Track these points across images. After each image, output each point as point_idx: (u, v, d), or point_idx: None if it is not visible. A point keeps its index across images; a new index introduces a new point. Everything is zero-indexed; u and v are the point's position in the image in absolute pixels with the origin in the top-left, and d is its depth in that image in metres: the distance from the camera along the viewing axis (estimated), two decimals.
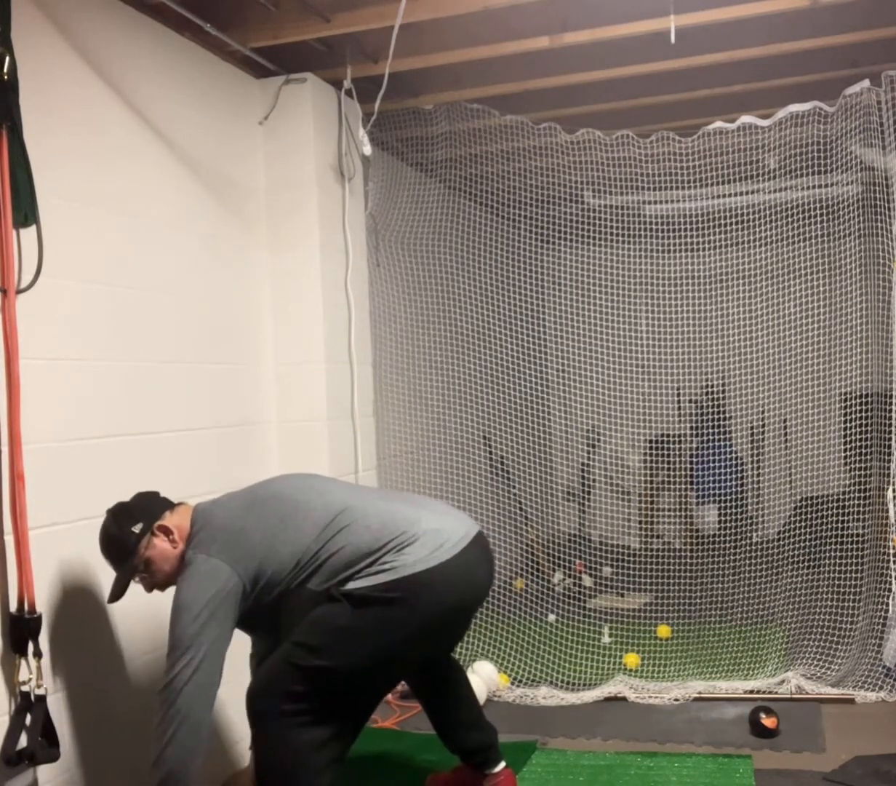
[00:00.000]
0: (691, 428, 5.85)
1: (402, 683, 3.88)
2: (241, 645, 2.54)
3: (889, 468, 3.65)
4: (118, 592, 2.41)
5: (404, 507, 2.48)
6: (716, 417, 5.60)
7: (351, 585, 2.29)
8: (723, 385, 5.31)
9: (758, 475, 5.69)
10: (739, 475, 5.66)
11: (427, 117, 4.06)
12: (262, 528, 2.37)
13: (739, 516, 5.05)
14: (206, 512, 2.45)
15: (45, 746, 2.25)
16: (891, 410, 3.71)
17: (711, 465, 5.51)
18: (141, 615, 2.72)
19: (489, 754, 2.78)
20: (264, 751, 2.35)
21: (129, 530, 2.38)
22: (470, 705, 2.84)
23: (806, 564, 4.31)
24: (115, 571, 2.41)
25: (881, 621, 3.68)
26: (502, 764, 2.79)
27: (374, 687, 2.42)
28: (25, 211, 2.32)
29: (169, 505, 2.47)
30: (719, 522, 5.26)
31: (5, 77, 2.26)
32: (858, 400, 4.22)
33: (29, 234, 2.35)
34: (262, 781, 2.40)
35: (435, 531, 2.38)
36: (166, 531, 2.40)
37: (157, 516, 2.41)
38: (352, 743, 2.39)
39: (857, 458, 4.11)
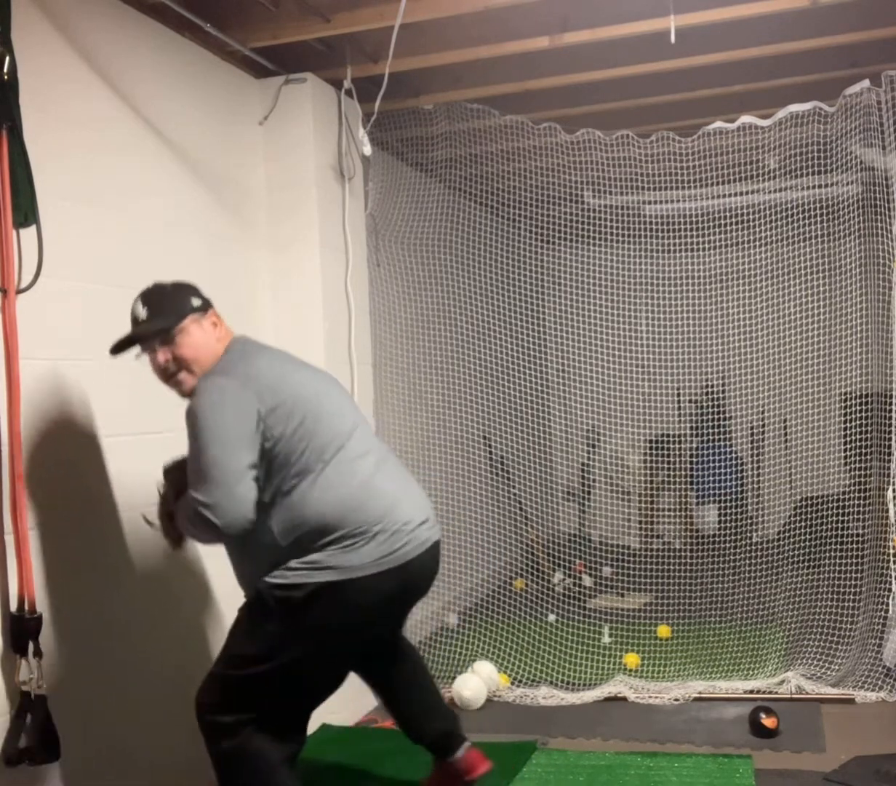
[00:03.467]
0: (691, 428, 5.85)
1: None
2: None
3: (889, 468, 3.65)
4: (122, 346, 2.29)
5: (390, 486, 2.35)
6: (716, 417, 5.60)
7: (289, 577, 2.21)
8: (723, 385, 5.31)
9: (758, 475, 5.69)
10: (739, 475, 5.66)
11: (427, 117, 4.06)
12: (299, 400, 2.25)
13: (739, 516, 5.05)
14: (249, 348, 2.36)
15: (46, 746, 2.25)
16: (891, 410, 3.70)
17: (711, 465, 5.51)
18: (141, 615, 2.72)
19: (450, 741, 2.65)
20: (220, 761, 2.32)
21: (187, 297, 2.31)
22: (425, 691, 2.72)
23: (806, 564, 4.31)
24: (141, 321, 2.28)
25: (881, 621, 3.68)
26: (465, 744, 2.66)
27: (320, 683, 2.38)
28: (25, 211, 2.32)
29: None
30: (719, 522, 5.26)
31: (5, 77, 2.26)
32: (858, 400, 4.22)
33: (29, 234, 2.35)
34: None
35: (396, 532, 2.26)
36: (216, 323, 2.32)
37: (212, 308, 2.35)
38: (303, 741, 2.37)
39: (857, 458, 4.11)
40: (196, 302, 2.33)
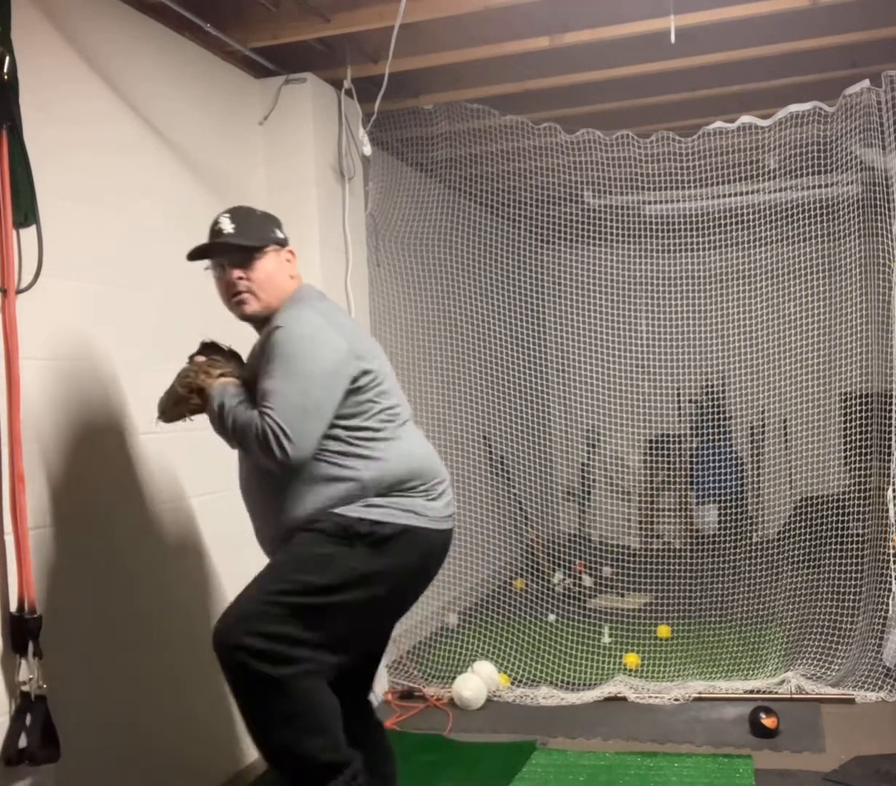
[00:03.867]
0: (691, 428, 5.85)
1: (404, 682, 3.89)
2: None
3: (889, 468, 3.64)
4: (199, 254, 2.28)
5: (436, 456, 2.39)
6: (716, 417, 5.60)
7: (373, 514, 2.15)
8: (723, 385, 5.31)
9: (758, 475, 5.69)
10: (739, 475, 5.66)
11: (427, 117, 4.06)
12: (379, 360, 2.27)
13: (739, 516, 5.05)
14: (327, 301, 2.35)
15: (45, 746, 2.25)
16: (891, 410, 3.70)
17: (711, 465, 5.52)
18: (142, 614, 2.72)
19: None
20: (246, 695, 2.10)
21: (273, 227, 2.31)
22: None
23: (806, 564, 4.31)
24: (225, 234, 2.26)
25: (881, 621, 3.68)
26: None
27: (364, 637, 2.28)
28: (25, 211, 2.32)
29: None
30: (719, 522, 5.26)
31: (5, 77, 2.26)
32: (858, 400, 4.22)
33: (29, 234, 2.35)
34: (256, 722, 2.12)
35: (449, 502, 2.32)
36: (290, 260, 2.32)
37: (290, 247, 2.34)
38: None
39: (857, 458, 4.11)
40: (280, 234, 2.33)
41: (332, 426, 2.16)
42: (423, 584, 2.36)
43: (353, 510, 2.16)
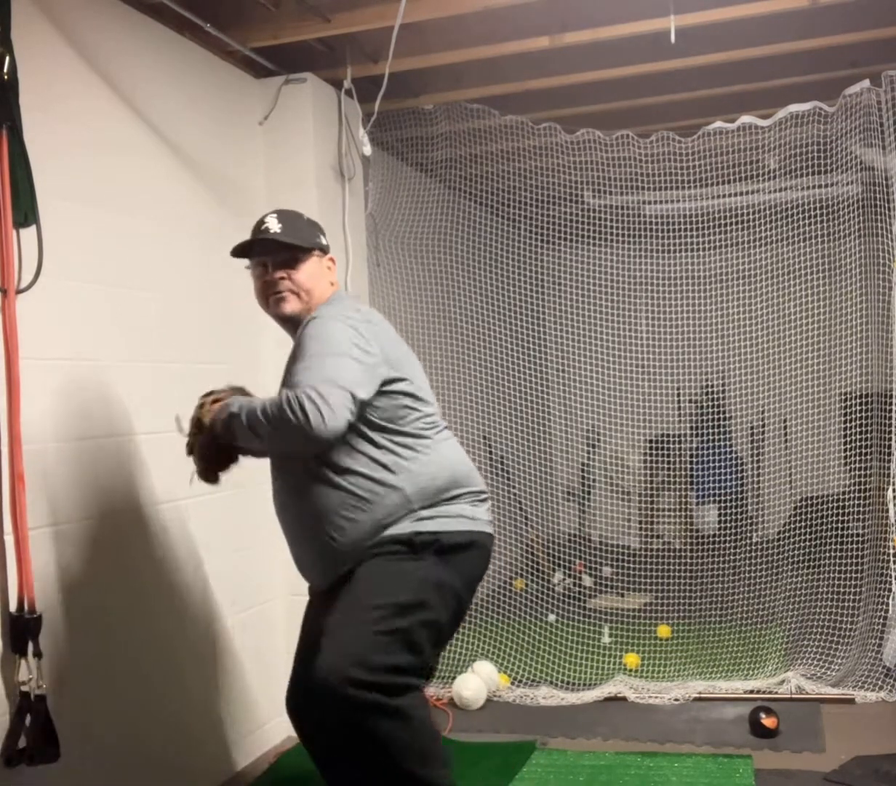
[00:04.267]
0: (691, 428, 5.85)
1: None
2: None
3: (889, 468, 3.64)
4: (244, 250, 2.26)
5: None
6: (716, 417, 5.60)
7: (429, 526, 2.13)
8: (723, 385, 5.31)
9: (758, 475, 5.68)
10: (739, 475, 5.66)
11: (427, 117, 4.06)
12: (415, 368, 2.27)
13: (739, 516, 5.05)
14: (363, 307, 2.32)
15: (45, 746, 2.25)
16: (891, 410, 3.70)
17: (711, 465, 5.51)
18: (141, 615, 2.72)
19: None
20: (363, 734, 1.96)
21: (319, 233, 2.33)
22: None
23: (806, 564, 4.31)
24: (272, 233, 2.24)
25: (881, 621, 3.68)
26: None
27: (444, 645, 2.30)
28: (25, 211, 2.32)
29: None
30: (719, 522, 5.26)
31: (5, 77, 2.26)
32: (858, 400, 4.22)
33: (29, 234, 2.35)
34: (375, 761, 2.00)
35: (488, 504, 2.30)
36: (330, 268, 2.32)
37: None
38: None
39: (857, 458, 4.11)
40: (323, 240, 2.33)
41: (372, 429, 2.11)
42: (476, 588, 2.31)
43: (406, 528, 2.12)
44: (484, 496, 2.29)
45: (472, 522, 2.20)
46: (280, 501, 2.27)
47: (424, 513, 2.14)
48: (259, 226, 2.29)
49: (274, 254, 2.25)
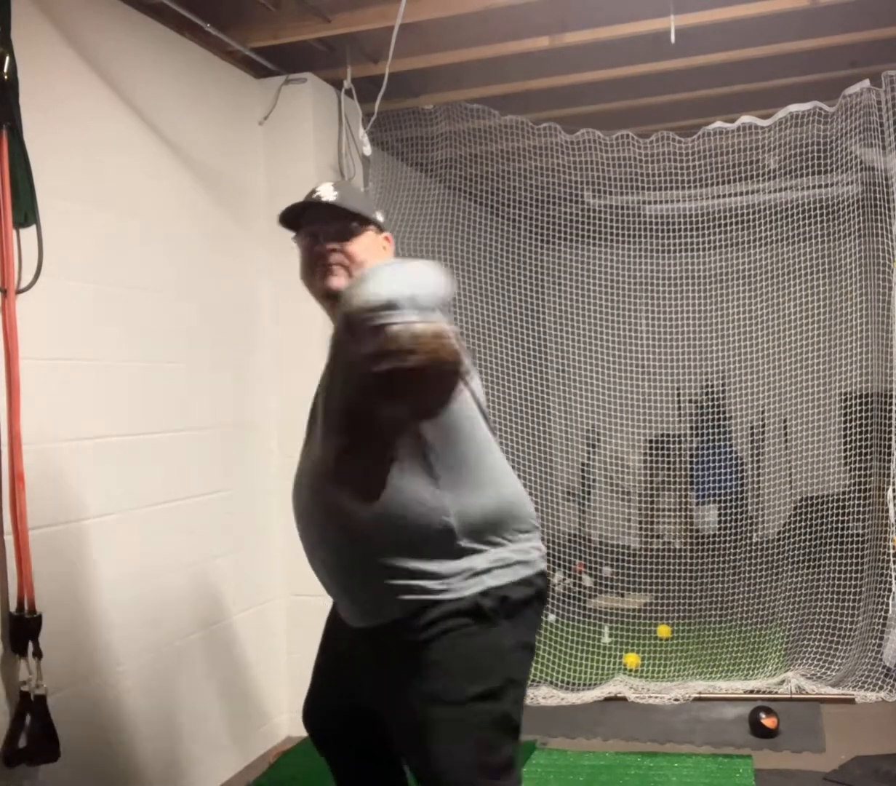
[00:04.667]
0: (691, 428, 5.85)
1: None
2: None
3: (889, 468, 3.64)
4: (296, 214, 1.91)
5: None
6: (716, 417, 5.60)
7: (488, 582, 1.73)
8: (723, 385, 5.31)
9: (758, 475, 5.68)
10: (739, 475, 5.65)
11: (427, 117, 4.06)
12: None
13: (739, 516, 5.05)
14: None
15: (45, 746, 2.25)
16: (891, 410, 3.71)
17: (711, 465, 5.51)
18: (141, 615, 2.72)
19: None
20: None
21: (374, 207, 1.99)
22: None
23: (806, 564, 4.31)
24: (326, 202, 1.90)
25: (881, 621, 3.68)
26: None
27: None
28: (25, 211, 2.32)
29: None
30: (719, 522, 5.26)
31: (5, 77, 2.26)
32: (858, 400, 4.22)
33: (29, 234, 2.35)
34: None
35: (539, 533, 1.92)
36: (385, 248, 1.96)
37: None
38: None
39: (857, 458, 4.11)
40: (382, 218, 2.02)
41: (422, 447, 1.74)
42: None
43: (465, 588, 1.72)
44: (537, 524, 1.89)
45: (527, 565, 1.82)
46: (310, 540, 1.88)
47: (484, 564, 1.78)
48: (310, 195, 1.97)
49: (327, 223, 1.92)
